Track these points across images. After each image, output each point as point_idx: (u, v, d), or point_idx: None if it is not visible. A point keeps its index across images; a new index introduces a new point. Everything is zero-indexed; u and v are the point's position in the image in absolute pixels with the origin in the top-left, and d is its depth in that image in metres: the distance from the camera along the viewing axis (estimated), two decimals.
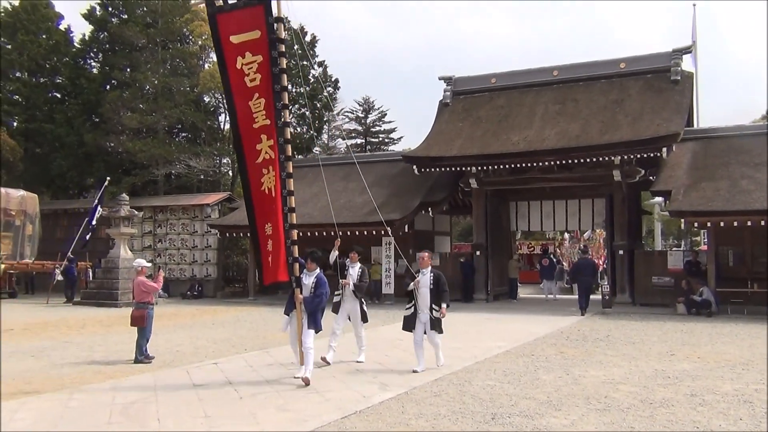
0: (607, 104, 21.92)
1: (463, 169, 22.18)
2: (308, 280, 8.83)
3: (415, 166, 22.40)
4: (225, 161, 35.76)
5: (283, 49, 8.74)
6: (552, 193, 23.41)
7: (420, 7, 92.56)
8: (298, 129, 37.66)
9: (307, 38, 36.78)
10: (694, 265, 19.71)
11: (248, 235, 25.61)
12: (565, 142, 20.59)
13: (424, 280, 9.39)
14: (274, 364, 10.03)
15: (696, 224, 19.34)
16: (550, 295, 25.30)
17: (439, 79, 25.76)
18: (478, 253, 22.61)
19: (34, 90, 34.53)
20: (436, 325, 9.35)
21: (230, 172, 36.12)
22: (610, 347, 11.90)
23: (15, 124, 34.94)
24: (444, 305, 9.35)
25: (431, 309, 9.30)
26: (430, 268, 9.53)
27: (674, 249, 33.46)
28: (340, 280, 10.21)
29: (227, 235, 26.26)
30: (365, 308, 10.42)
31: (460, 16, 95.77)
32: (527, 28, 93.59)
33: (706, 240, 24.48)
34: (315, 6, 76.58)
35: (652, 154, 19.42)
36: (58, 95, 36.05)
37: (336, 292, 10.25)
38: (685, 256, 21.07)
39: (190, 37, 33.57)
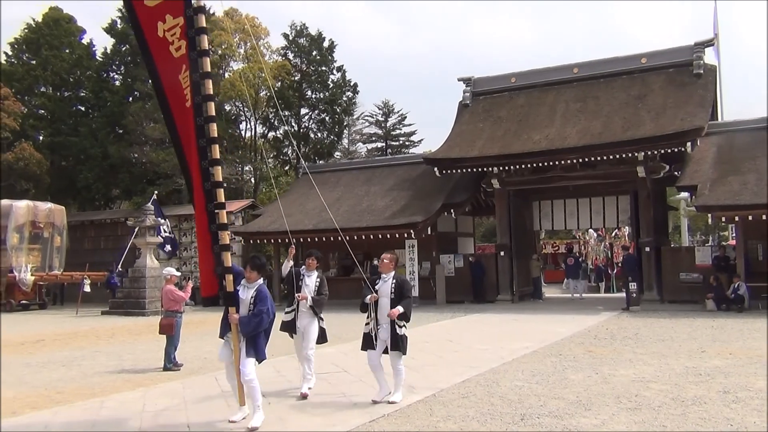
0: (629, 100, 21.71)
1: (485, 169, 22.09)
2: (246, 293, 6.85)
3: (436, 168, 22.38)
4: (247, 168, 36.04)
5: (202, 5, 6.93)
6: (575, 191, 23.23)
7: (435, 10, 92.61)
8: (319, 134, 37.85)
9: (325, 44, 36.92)
10: (723, 260, 19.41)
11: (272, 241, 25.91)
12: (587, 139, 20.42)
13: (385, 288, 7.65)
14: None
15: (724, 219, 19.03)
16: (575, 294, 25.08)
17: (458, 80, 25.72)
18: (502, 253, 22.49)
19: (58, 104, 35.13)
20: (399, 343, 7.54)
21: (252, 180, 36.40)
22: (639, 345, 11.76)
23: (41, 138, 35.58)
24: (400, 308, 7.50)
25: (394, 323, 7.54)
26: (393, 273, 7.79)
27: (706, 245, 33.01)
28: (296, 294, 8.34)
29: (251, 241, 26.41)
30: (324, 326, 8.51)
31: (475, 17, 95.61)
32: (544, 30, 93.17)
33: (734, 234, 24.11)
34: (330, 12, 76.99)
35: (676, 149, 19.18)
36: (82, 108, 36.69)
37: (287, 309, 8.44)
38: (713, 251, 20.77)
39: (210, 47, 33.90)
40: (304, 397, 8.01)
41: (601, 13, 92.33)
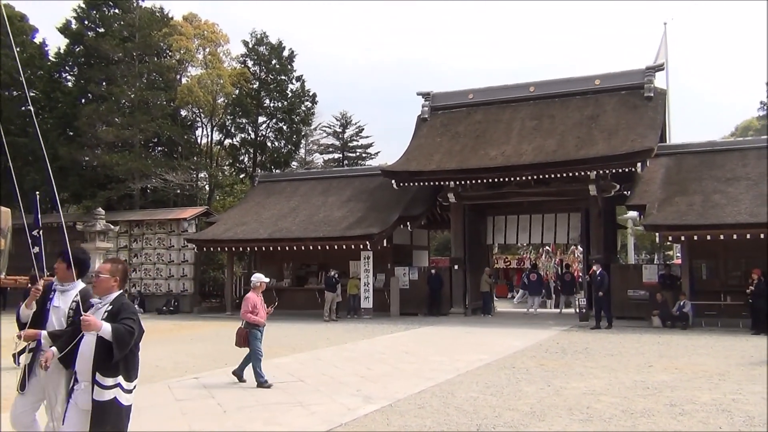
0: (583, 120, 22.26)
1: (442, 183, 22.32)
2: None
3: (393, 181, 22.49)
4: (202, 175, 35.60)
5: None
6: (529, 207, 23.62)
7: (398, 24, 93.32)
8: (276, 143, 37.67)
9: (285, 53, 36.84)
10: (669, 278, 19.99)
11: (225, 249, 25.63)
12: (541, 157, 20.84)
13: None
14: None
15: (670, 238, 19.66)
16: (531, 309, 25.23)
17: (417, 94, 25.95)
18: (456, 267, 22.70)
19: (7, 104, 34.10)
20: (103, 416, 4.20)
21: (207, 187, 35.98)
22: (589, 359, 12.04)
23: None
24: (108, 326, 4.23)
25: (95, 378, 4.26)
26: (115, 294, 4.62)
27: (652, 263, 33.89)
28: (15, 333, 5.23)
29: (204, 249, 26.07)
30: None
31: (439, 34, 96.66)
32: (502, 49, 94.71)
33: (679, 254, 24.87)
34: (292, 22, 76.93)
35: (627, 169, 19.74)
36: (32, 109, 35.69)
37: (29, 348, 5.25)
38: (660, 269, 21.37)
39: (168, 51, 33.50)
40: None
41: (560, 38, 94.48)
